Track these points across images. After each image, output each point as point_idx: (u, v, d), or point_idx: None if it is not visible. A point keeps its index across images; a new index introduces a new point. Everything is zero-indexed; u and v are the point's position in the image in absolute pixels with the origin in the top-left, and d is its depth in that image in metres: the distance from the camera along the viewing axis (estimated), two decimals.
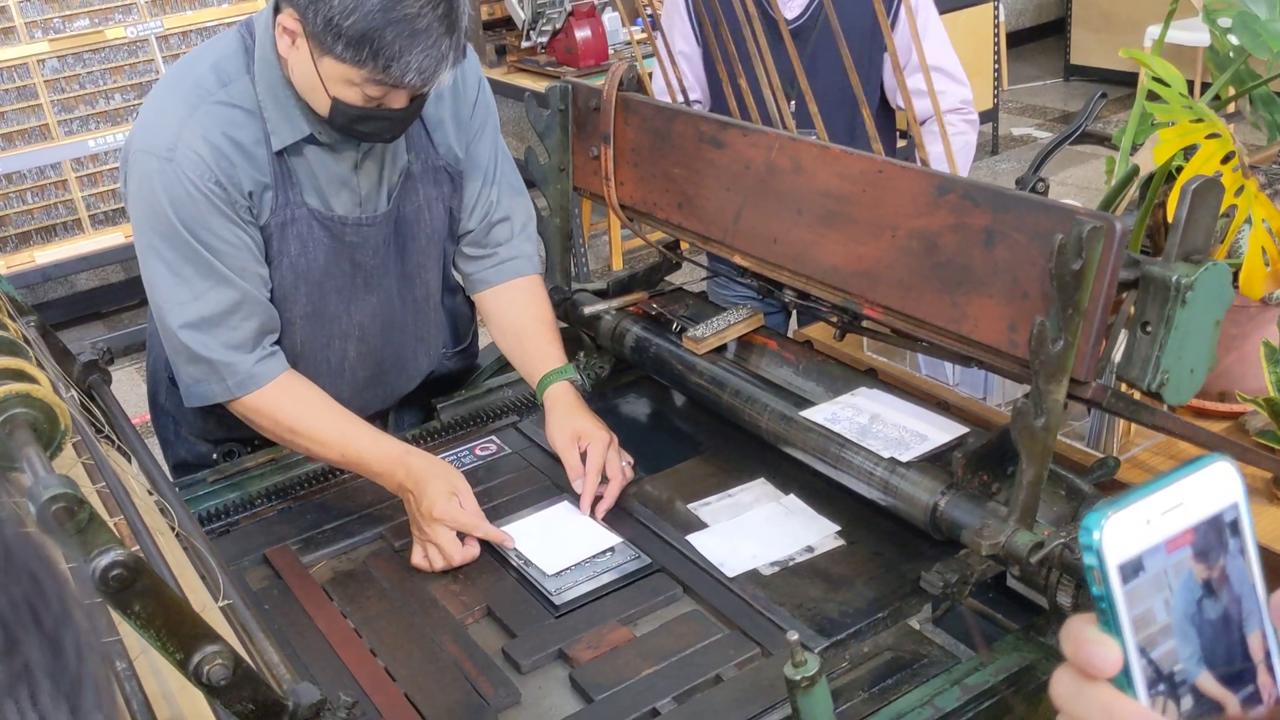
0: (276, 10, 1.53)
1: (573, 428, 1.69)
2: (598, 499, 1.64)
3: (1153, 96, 1.54)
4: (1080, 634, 0.50)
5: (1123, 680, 0.50)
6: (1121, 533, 0.49)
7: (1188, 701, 0.50)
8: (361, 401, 1.82)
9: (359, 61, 1.45)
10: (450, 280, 1.95)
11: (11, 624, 0.37)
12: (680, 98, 1.96)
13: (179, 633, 0.86)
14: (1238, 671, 0.51)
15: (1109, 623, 0.49)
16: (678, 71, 1.94)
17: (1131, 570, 0.49)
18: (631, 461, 1.70)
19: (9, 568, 0.38)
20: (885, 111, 2.44)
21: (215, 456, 1.87)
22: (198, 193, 1.56)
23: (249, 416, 1.67)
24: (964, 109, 2.38)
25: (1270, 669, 0.51)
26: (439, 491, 1.55)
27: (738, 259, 1.65)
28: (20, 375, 0.98)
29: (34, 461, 0.88)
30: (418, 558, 1.56)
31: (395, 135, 1.62)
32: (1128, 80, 6.08)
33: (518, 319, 1.85)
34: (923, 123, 2.23)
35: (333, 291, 1.72)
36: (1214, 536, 0.51)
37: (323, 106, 1.55)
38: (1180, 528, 0.50)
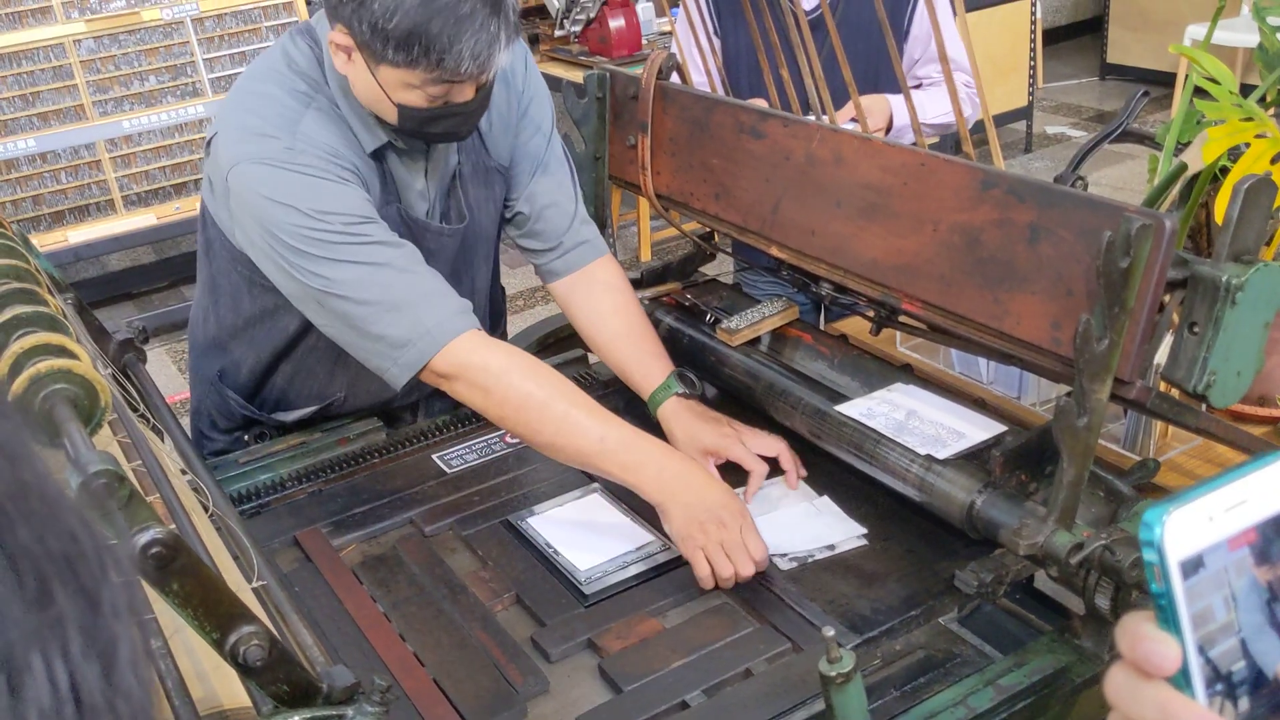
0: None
1: (699, 447, 1.65)
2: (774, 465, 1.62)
3: (1201, 94, 1.52)
4: (1138, 631, 0.49)
5: (1180, 680, 0.49)
6: (1183, 529, 0.48)
7: (1245, 702, 0.49)
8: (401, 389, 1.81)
9: (411, 61, 1.43)
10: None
11: (48, 575, 0.37)
12: (720, 88, 1.95)
13: (216, 612, 0.86)
14: None
15: (1168, 620, 0.48)
16: (718, 60, 1.93)
17: (1192, 567, 0.48)
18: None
19: (51, 523, 0.38)
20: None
21: (247, 439, 1.86)
22: (335, 179, 1.52)
23: (473, 377, 1.55)
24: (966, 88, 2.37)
25: None
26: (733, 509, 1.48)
27: (775, 251, 1.64)
28: (61, 351, 0.98)
29: (75, 438, 0.88)
30: (703, 570, 1.44)
31: (469, 131, 1.59)
32: (1165, 80, 6.01)
33: (602, 328, 1.78)
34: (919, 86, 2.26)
35: None
36: (1277, 534, 0.50)
37: (391, 115, 1.52)
38: (1243, 525, 0.49)
